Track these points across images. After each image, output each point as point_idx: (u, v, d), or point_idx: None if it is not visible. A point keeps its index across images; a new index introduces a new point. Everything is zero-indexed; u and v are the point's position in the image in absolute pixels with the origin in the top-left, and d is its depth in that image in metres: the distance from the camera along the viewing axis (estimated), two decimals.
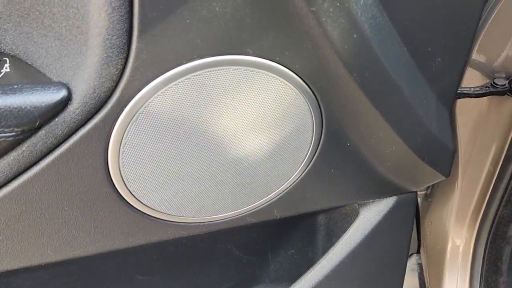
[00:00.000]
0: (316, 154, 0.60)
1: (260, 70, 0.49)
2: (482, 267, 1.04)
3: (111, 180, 0.52)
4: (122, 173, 0.52)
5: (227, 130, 0.54)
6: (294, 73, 0.51)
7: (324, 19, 0.46)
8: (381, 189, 0.70)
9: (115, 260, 0.79)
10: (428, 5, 0.52)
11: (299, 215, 0.70)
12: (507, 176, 0.92)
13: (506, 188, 0.93)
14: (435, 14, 0.52)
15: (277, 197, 0.63)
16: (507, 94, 0.85)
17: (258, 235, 0.91)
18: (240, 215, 0.63)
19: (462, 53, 0.57)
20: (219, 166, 0.57)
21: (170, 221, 0.60)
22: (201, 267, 0.88)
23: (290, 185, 0.62)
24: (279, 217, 0.67)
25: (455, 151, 0.67)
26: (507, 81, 0.84)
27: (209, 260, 0.89)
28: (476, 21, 0.54)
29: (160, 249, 0.82)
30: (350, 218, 0.77)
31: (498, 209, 0.98)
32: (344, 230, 0.77)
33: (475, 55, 0.85)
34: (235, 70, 0.49)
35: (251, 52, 0.48)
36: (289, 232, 0.92)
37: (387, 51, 0.51)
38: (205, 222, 0.62)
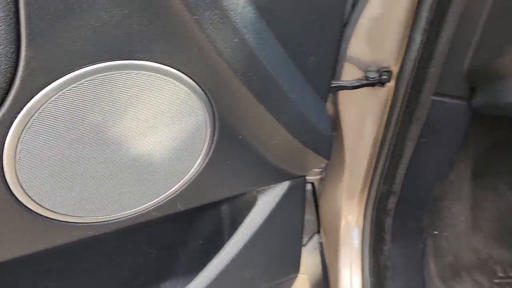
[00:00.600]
0: (212, 149, 0.65)
1: (152, 73, 0.53)
2: (370, 239, 1.17)
3: (8, 186, 0.52)
4: (20, 178, 0.53)
5: (124, 131, 0.57)
6: (185, 74, 0.55)
7: (206, 26, 0.51)
8: (275, 175, 0.78)
9: (21, 268, 0.77)
10: (299, 12, 0.59)
11: (203, 206, 0.75)
12: (383, 157, 1.05)
13: (383, 167, 1.07)
14: (305, 20, 0.60)
15: (178, 191, 0.67)
16: (378, 85, 0.97)
17: (165, 230, 0.94)
18: (144, 211, 0.66)
19: (331, 52, 0.66)
20: (117, 166, 0.59)
21: (73, 222, 0.61)
22: (111, 266, 0.89)
23: (190, 179, 0.67)
24: (182, 210, 0.71)
25: (333, 137, 0.77)
26: (378, 74, 0.96)
27: (118, 259, 0.90)
28: (339, 26, 0.63)
29: (68, 252, 0.81)
30: (250, 204, 0.84)
31: (378, 186, 1.11)
32: (246, 216, 0.83)
33: (351, 52, 0.96)
34: (127, 74, 0.52)
35: (141, 57, 0.52)
36: (196, 224, 0.96)
37: (266, 52, 0.58)
38: (109, 220, 0.64)
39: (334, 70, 0.69)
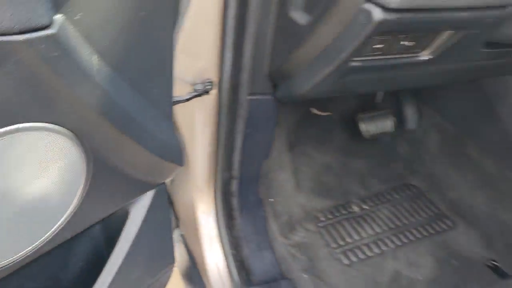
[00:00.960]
0: (90, 179, 0.77)
1: (31, 132, 0.63)
2: (223, 219, 1.39)
3: None
4: None
5: (9, 185, 0.65)
6: (59, 126, 0.66)
7: (73, 86, 0.63)
8: (143, 187, 0.93)
9: None
10: (138, 60, 0.74)
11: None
12: (220, 150, 1.28)
13: (222, 158, 1.29)
14: (144, 64, 0.76)
15: (66, 222, 0.77)
16: (205, 94, 1.19)
17: (43, 261, 0.99)
18: (38, 247, 0.75)
19: (168, 81, 0.83)
20: (6, 213, 0.67)
21: None
22: None
23: (75, 209, 0.77)
24: (69, 237, 0.81)
25: (181, 145, 0.95)
26: (203, 86, 1.18)
27: None
28: (171, 61, 0.81)
29: None
30: (123, 217, 0.97)
31: (222, 175, 1.33)
32: (121, 229, 0.96)
33: (180, 74, 1.15)
34: (11, 137, 0.61)
35: (19, 121, 0.61)
36: (72, 249, 1.04)
37: (121, 95, 0.72)
38: (9, 264, 0.71)
39: (172, 92, 0.87)
